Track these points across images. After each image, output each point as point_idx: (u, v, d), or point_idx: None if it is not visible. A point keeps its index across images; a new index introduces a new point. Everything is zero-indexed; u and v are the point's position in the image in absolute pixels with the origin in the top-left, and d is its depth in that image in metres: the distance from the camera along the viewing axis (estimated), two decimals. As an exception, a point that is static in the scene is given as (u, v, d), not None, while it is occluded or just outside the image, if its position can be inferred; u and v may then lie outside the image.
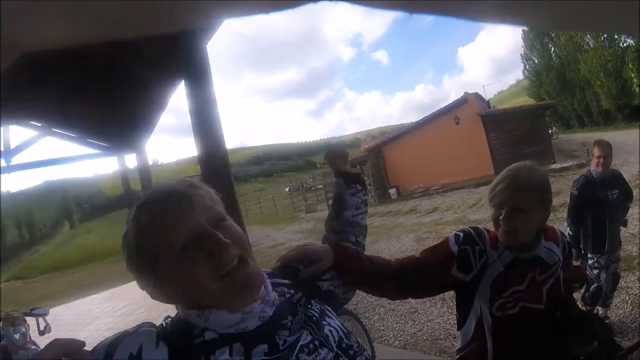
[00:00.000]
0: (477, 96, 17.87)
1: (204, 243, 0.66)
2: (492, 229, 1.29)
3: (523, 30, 39.60)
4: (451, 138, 15.78)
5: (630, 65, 27.65)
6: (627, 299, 3.87)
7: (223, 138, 2.85)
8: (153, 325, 0.71)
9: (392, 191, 16.58)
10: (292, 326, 0.73)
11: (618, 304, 3.78)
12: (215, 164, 2.81)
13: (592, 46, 30.96)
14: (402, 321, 4.37)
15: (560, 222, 5.77)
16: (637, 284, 4.10)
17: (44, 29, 0.21)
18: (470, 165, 15.23)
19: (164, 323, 0.71)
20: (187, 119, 2.84)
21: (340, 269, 1.01)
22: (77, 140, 7.22)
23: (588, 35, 31.05)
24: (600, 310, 3.46)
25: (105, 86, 4.10)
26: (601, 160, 3.14)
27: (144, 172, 6.86)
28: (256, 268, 0.71)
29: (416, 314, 4.42)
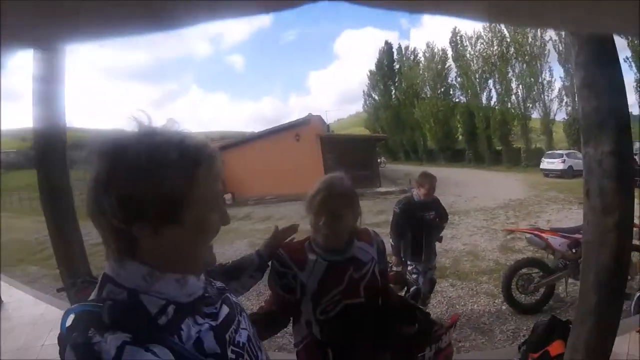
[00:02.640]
0: (320, 119, 19.27)
1: None
2: (294, 241, 1.54)
3: (370, 71, 44.62)
4: (290, 153, 16.55)
5: (457, 117, 34.53)
6: (442, 300, 4.77)
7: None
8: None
9: (228, 196, 16.32)
10: None
11: (435, 304, 4.56)
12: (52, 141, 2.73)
13: (428, 96, 36.80)
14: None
15: (384, 236, 6.53)
16: (450, 289, 5.10)
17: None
18: (304, 181, 15.41)
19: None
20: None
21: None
22: None
23: (427, 87, 37.13)
24: None
25: None
26: (425, 188, 3.76)
27: None
28: None
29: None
